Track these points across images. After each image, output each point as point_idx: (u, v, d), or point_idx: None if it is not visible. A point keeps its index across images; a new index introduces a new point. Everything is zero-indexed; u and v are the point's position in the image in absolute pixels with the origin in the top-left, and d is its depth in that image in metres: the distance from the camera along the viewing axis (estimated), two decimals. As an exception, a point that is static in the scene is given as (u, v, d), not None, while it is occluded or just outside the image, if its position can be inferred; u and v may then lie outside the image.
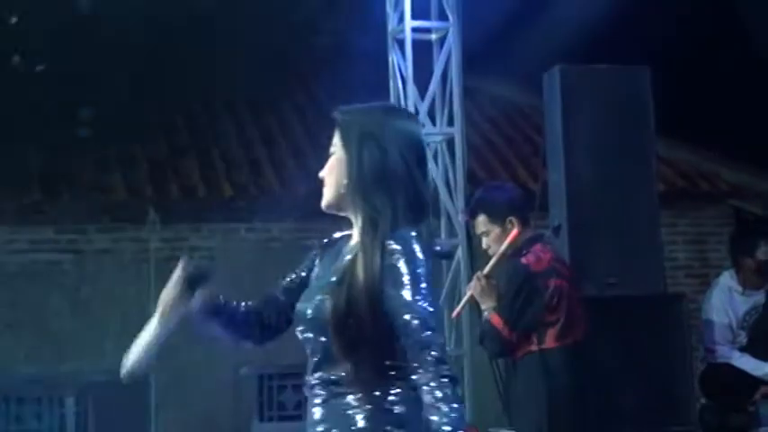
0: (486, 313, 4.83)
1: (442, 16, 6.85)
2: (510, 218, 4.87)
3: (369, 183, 2.67)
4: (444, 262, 6.61)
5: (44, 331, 8.17)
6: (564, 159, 5.69)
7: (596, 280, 5.54)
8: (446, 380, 2.48)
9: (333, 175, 2.73)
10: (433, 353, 2.49)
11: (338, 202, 2.74)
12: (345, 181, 2.70)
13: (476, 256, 6.23)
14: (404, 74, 6.78)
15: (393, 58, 6.85)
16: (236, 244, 8.60)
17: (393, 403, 2.61)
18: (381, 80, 6.96)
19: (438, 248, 5.49)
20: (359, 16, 7.52)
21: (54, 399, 8.21)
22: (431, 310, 2.53)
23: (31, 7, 8.28)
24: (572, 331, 4.81)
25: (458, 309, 5.31)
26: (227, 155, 9.15)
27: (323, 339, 2.66)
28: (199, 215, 8.63)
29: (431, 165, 6.80)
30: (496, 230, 4.89)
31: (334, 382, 2.65)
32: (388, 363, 2.60)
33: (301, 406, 8.55)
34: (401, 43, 6.78)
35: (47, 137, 8.22)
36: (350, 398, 2.62)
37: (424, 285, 2.55)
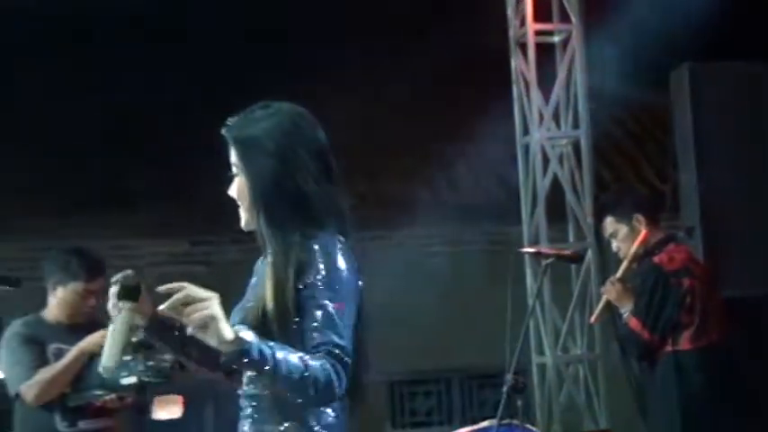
0: (624, 316, 4.79)
1: (564, 18, 6.80)
2: (636, 215, 4.82)
3: (269, 199, 2.54)
4: (574, 266, 6.56)
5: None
6: (695, 159, 5.61)
7: (731, 281, 5.44)
8: (334, 365, 2.41)
9: (243, 199, 2.60)
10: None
11: (253, 221, 2.61)
12: (251, 201, 2.57)
13: (606, 259, 6.17)
14: (527, 78, 6.75)
15: (515, 62, 6.83)
16: (360, 252, 8.63)
17: (311, 428, 2.53)
18: (504, 85, 6.94)
19: (569, 252, 5.48)
20: (479, 21, 7.52)
21: (192, 407, 8.38)
22: (342, 344, 2.43)
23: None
24: (707, 333, 4.73)
25: (596, 314, 5.24)
26: (347, 164, 9.22)
27: None
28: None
29: (556, 168, 6.76)
30: (624, 230, 4.84)
31: (259, 399, 2.56)
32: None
33: (433, 412, 8.58)
34: (523, 47, 6.76)
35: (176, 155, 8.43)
36: (272, 417, 2.54)
37: (334, 316, 2.44)
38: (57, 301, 4.74)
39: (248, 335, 2.34)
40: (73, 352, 4.56)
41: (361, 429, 9.16)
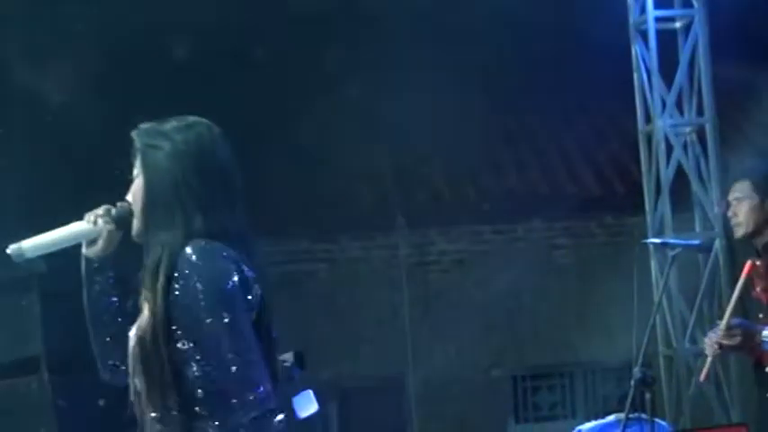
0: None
1: (686, 3, 6.66)
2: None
3: (155, 207, 2.48)
4: (701, 256, 6.41)
5: (303, 339, 8.44)
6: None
7: None
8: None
9: (136, 202, 2.54)
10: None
11: (144, 230, 2.54)
12: (140, 205, 2.53)
13: (734, 247, 6.01)
14: (648, 65, 6.62)
15: (636, 49, 6.70)
16: (483, 246, 8.62)
17: None
18: (624, 74, 6.82)
19: (696, 242, 5.33)
20: (598, 10, 7.40)
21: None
22: (224, 375, 2.32)
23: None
24: None
25: (704, 372, 4.84)
26: (472, 158, 9.20)
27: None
28: (445, 219, 8.71)
29: (680, 156, 6.61)
30: (755, 203, 4.51)
31: (155, 420, 2.44)
32: (195, 409, 2.37)
33: (557, 406, 8.48)
34: (644, 34, 6.63)
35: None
36: None
37: (212, 341, 2.34)
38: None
39: None
40: None
41: (485, 424, 9.12)
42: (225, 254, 2.40)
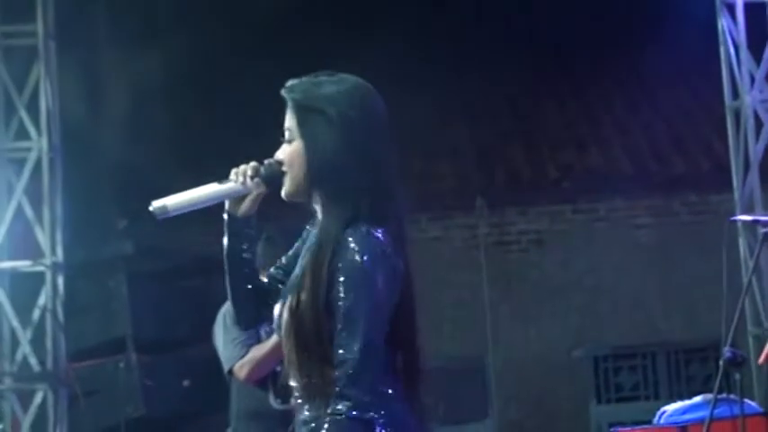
0: None
1: (775, -26, 6.48)
2: None
3: (327, 172, 2.37)
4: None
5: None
6: None
7: None
8: (339, 416, 2.29)
9: (293, 167, 2.42)
10: (345, 388, 2.30)
11: (300, 193, 2.44)
12: (304, 171, 2.40)
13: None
14: (735, 39, 6.47)
15: (723, 23, 6.54)
16: (564, 225, 8.55)
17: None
18: (710, 48, 6.68)
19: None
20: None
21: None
22: (359, 352, 2.28)
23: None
24: None
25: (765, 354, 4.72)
26: (551, 136, 9.11)
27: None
28: (525, 198, 8.64)
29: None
30: None
31: (297, 393, 2.43)
32: (335, 386, 2.32)
33: (639, 387, 8.38)
34: (731, 7, 6.48)
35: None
36: (305, 413, 2.41)
37: (359, 316, 2.29)
38: (269, 281, 4.83)
39: None
40: None
41: (566, 405, 9.08)
42: (382, 241, 2.34)
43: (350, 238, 2.33)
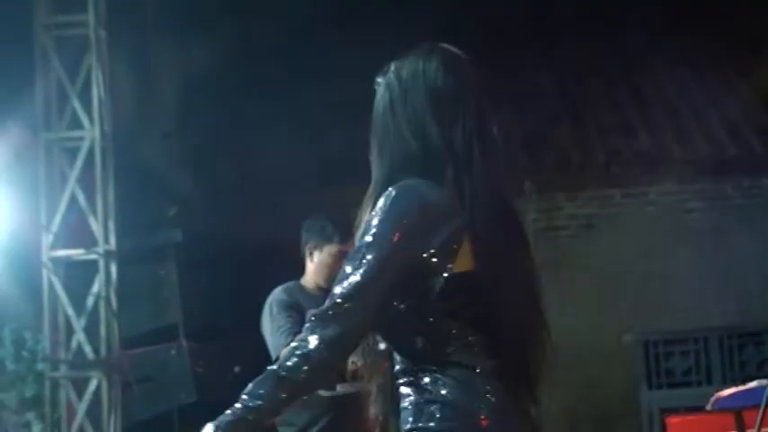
0: None
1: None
2: None
3: (373, 143, 2.38)
4: None
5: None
6: None
7: None
8: (313, 322, 2.27)
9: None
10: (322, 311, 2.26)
11: None
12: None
13: None
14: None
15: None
16: (613, 210, 8.49)
17: (427, 390, 2.28)
18: (757, 27, 6.59)
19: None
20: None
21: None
22: (352, 283, 2.22)
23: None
24: None
25: None
26: (600, 119, 9.04)
27: None
28: (574, 183, 8.60)
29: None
30: None
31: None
32: (417, 347, 2.28)
33: (690, 372, 8.31)
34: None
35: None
36: (401, 389, 2.35)
37: (364, 250, 2.22)
38: (314, 266, 4.87)
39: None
40: None
41: (617, 390, 9.04)
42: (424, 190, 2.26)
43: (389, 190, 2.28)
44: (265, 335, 4.82)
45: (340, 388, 4.72)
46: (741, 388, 5.21)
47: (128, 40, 6.82)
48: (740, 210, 8.25)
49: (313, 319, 2.30)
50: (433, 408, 2.26)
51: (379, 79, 2.41)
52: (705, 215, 8.37)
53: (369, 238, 2.24)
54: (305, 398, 4.36)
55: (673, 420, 5.98)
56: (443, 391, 2.26)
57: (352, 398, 4.73)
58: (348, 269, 2.25)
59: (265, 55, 7.49)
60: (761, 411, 4.34)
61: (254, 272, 6.38)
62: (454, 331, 2.27)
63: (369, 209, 2.31)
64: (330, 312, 2.28)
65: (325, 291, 4.82)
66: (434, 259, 2.24)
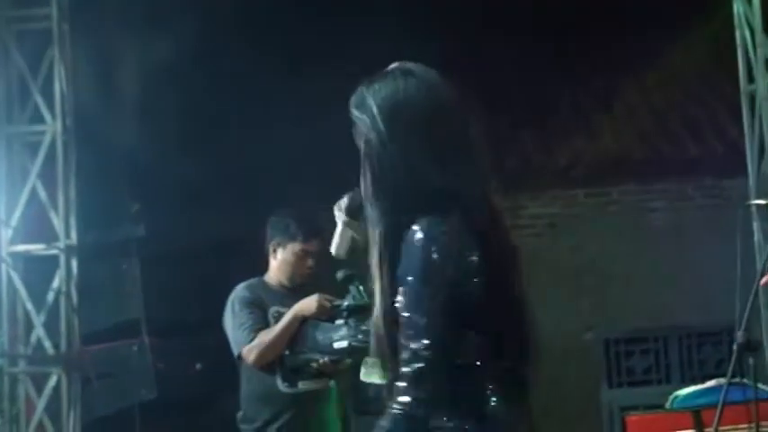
0: None
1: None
2: None
3: (369, 186, 2.30)
4: None
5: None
6: None
7: None
8: (397, 412, 2.18)
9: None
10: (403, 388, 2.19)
11: None
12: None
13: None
14: (752, 23, 6.43)
15: (737, 6, 6.51)
16: (576, 210, 8.54)
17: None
18: (720, 30, 6.65)
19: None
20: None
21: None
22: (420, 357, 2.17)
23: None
24: None
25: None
26: (562, 121, 9.09)
27: None
28: (537, 183, 8.64)
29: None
30: None
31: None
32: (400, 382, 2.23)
33: (651, 371, 8.38)
34: (745, -9, 6.44)
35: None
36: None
37: (418, 315, 2.18)
38: (277, 264, 4.87)
39: None
40: (288, 315, 4.67)
41: (577, 388, 9.07)
42: (441, 229, 2.23)
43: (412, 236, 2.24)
44: (227, 331, 4.81)
45: (302, 385, 4.72)
46: (700, 387, 5.25)
47: (90, 34, 6.77)
48: (701, 210, 8.32)
49: None
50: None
51: (355, 111, 2.32)
52: (667, 215, 8.44)
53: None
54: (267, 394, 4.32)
55: (632, 419, 6.02)
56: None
57: (313, 395, 4.73)
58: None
59: (229, 49, 7.46)
60: (718, 410, 4.37)
61: (216, 268, 6.37)
62: (454, 331, 2.28)
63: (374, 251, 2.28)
64: None
65: (288, 288, 4.83)
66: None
